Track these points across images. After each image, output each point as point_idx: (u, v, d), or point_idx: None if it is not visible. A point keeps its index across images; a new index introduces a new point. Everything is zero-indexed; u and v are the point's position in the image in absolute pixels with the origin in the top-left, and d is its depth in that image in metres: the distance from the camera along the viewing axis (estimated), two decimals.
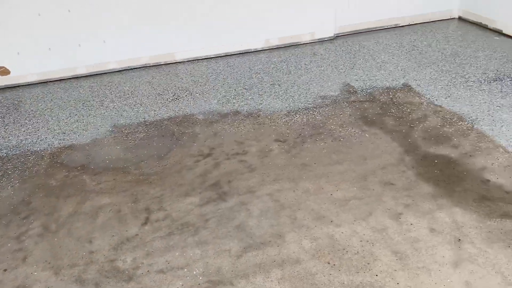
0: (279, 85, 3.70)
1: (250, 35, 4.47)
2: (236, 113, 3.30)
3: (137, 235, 2.20)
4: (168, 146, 2.95)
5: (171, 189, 2.51)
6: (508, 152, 2.56)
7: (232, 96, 3.57)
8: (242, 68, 4.13)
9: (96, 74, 4.24)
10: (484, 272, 1.81)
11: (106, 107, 3.58)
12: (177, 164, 2.73)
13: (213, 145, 2.90)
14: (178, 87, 3.83)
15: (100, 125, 3.31)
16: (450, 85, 3.43)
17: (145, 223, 2.27)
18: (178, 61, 4.40)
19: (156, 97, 3.68)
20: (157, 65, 4.36)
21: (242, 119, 3.20)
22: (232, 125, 3.14)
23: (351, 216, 2.18)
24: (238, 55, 4.46)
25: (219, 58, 4.42)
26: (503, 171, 2.41)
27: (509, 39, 4.21)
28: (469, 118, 2.95)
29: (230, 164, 2.68)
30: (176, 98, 3.62)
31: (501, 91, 3.27)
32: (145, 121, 3.30)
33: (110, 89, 3.91)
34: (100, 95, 3.81)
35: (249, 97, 3.53)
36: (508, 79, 3.43)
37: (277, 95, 3.53)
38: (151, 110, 3.46)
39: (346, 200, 2.30)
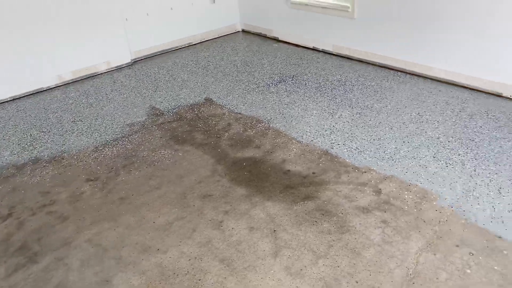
0: (81, 121, 3.48)
1: (39, 73, 4.08)
2: (36, 160, 2.98)
3: None
4: None
5: None
6: (300, 142, 2.95)
7: (28, 143, 3.21)
8: (36, 109, 3.75)
9: None
10: (299, 253, 2.04)
11: None
12: None
13: (12, 203, 2.55)
14: None
15: None
16: (245, 92, 3.76)
17: None
18: None
19: None
20: None
21: (44, 166, 2.90)
22: (32, 175, 2.81)
23: (176, 238, 2.19)
24: (28, 96, 4.03)
25: (6, 103, 3.92)
26: (298, 159, 2.76)
27: (285, 44, 4.85)
28: (265, 119, 3.29)
29: (37, 220, 2.40)
30: None
31: (286, 91, 3.73)
32: None
33: None
34: None
35: (49, 140, 3.23)
36: (290, 79, 3.95)
37: (80, 132, 3.31)
38: None
39: (169, 223, 2.30)
